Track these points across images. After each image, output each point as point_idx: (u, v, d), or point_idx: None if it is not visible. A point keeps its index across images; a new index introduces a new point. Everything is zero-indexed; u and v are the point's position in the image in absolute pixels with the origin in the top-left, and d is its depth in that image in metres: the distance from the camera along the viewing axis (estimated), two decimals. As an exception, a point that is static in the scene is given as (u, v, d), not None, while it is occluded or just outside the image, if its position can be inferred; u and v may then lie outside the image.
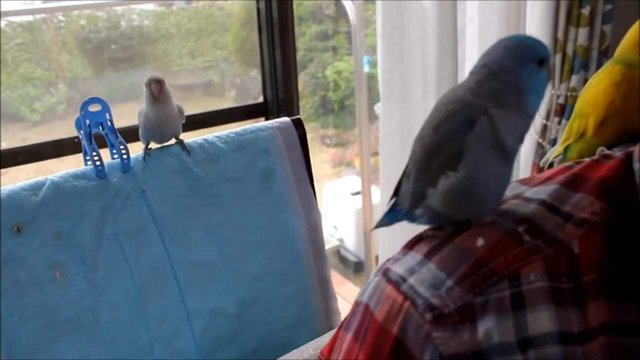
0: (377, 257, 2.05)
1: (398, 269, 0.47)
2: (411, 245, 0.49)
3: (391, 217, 0.55)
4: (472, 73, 0.49)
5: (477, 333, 0.43)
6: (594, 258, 0.44)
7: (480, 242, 0.45)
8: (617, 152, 0.50)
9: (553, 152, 0.71)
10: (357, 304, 0.49)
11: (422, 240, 0.49)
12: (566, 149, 0.66)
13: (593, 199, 0.46)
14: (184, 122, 0.96)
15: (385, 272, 0.47)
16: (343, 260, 2.80)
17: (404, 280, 0.45)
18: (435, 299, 0.43)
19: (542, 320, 0.43)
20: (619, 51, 0.60)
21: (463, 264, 0.44)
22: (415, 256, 0.47)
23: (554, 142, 1.34)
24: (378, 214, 1.67)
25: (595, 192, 0.46)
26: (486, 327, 0.42)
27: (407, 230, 1.67)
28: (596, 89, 0.61)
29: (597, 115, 0.60)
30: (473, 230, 0.47)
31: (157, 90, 0.89)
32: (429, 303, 0.43)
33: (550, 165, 0.73)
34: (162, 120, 0.92)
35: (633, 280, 0.45)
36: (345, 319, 0.51)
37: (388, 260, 0.49)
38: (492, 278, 0.43)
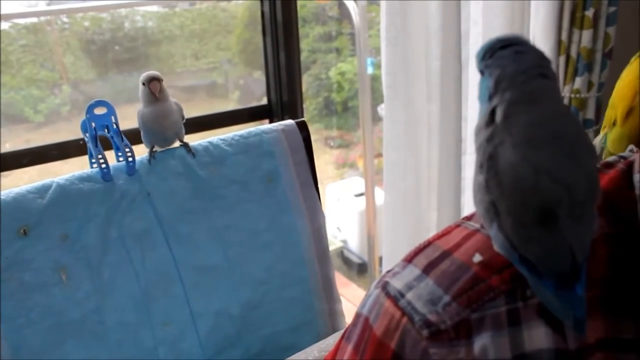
0: (380, 259, 2.05)
1: (397, 284, 0.47)
2: (410, 258, 0.49)
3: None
4: None
5: (473, 349, 0.43)
6: (592, 274, 0.44)
7: (477, 257, 0.45)
8: (620, 163, 0.50)
9: (598, 139, 0.73)
10: (357, 316, 0.50)
11: (422, 252, 0.48)
12: (605, 137, 0.68)
13: None
14: (184, 121, 0.96)
15: (385, 286, 0.47)
16: (346, 261, 2.80)
17: (402, 295, 0.46)
18: (432, 315, 0.44)
19: (537, 336, 0.43)
20: None
21: (460, 280, 0.44)
22: (414, 270, 0.47)
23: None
24: (381, 216, 1.68)
25: None
26: (482, 343, 0.43)
27: (409, 232, 1.66)
28: (624, 81, 0.62)
29: (624, 106, 0.61)
30: (472, 244, 0.47)
31: (157, 89, 0.89)
32: (426, 319, 0.44)
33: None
34: (160, 119, 0.92)
35: (632, 296, 0.45)
36: (347, 328, 0.52)
37: (388, 272, 0.49)
38: (488, 294, 0.44)
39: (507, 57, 0.44)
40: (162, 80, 0.90)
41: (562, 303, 0.41)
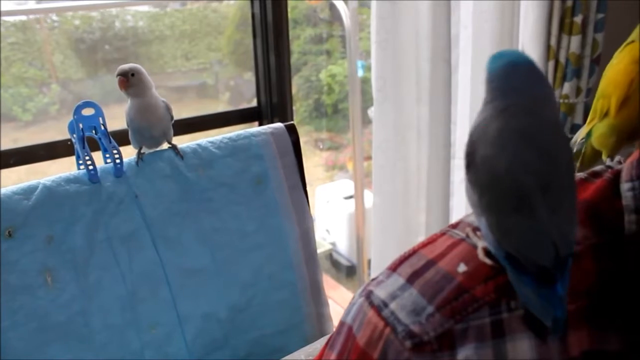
0: (369, 261, 2.05)
1: (380, 293, 0.46)
2: (395, 266, 0.48)
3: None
4: None
5: None
6: (578, 286, 0.43)
7: (462, 267, 0.45)
8: (607, 172, 0.50)
9: (579, 134, 0.70)
10: (341, 324, 0.49)
11: (406, 260, 0.48)
12: (589, 132, 0.66)
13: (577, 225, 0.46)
14: (172, 121, 0.96)
15: (369, 295, 0.47)
16: (335, 264, 2.80)
17: (386, 305, 0.45)
18: (415, 325, 0.43)
19: (521, 349, 0.43)
20: (637, 31, 0.60)
21: (444, 290, 0.44)
22: (398, 279, 0.47)
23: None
24: (371, 218, 1.68)
25: (580, 216, 0.45)
26: (465, 354, 0.42)
27: (398, 234, 1.66)
28: (617, 68, 0.59)
29: (619, 94, 0.59)
30: (456, 254, 0.46)
31: (122, 85, 0.89)
32: (408, 330, 0.43)
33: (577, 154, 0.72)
34: (143, 112, 0.91)
35: (618, 308, 0.44)
36: (331, 336, 0.51)
37: (372, 280, 0.49)
38: (472, 305, 0.43)
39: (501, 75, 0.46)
40: (130, 74, 0.89)
41: (541, 301, 0.41)
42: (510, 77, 0.46)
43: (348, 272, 2.73)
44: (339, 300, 2.39)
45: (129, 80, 0.89)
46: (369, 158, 2.44)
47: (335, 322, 1.05)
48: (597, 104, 0.63)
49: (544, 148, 0.43)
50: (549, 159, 0.43)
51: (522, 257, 0.42)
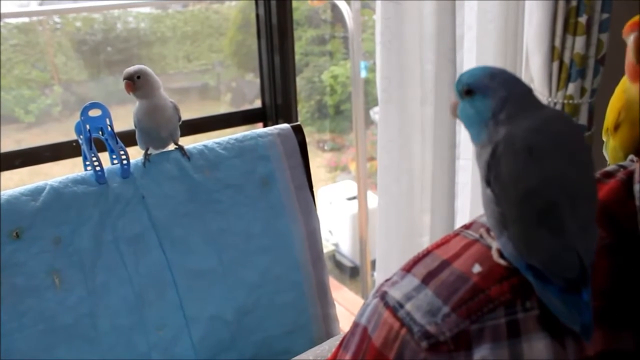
0: (373, 262, 2.05)
1: (395, 294, 0.46)
2: (409, 267, 0.48)
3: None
4: None
5: None
6: (593, 286, 0.43)
7: (477, 268, 0.45)
8: (620, 172, 0.50)
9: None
10: (355, 325, 0.49)
11: (420, 261, 0.48)
12: (606, 147, 0.69)
13: None
14: (180, 122, 0.95)
15: (383, 296, 0.47)
16: (338, 265, 2.80)
17: (401, 306, 0.45)
18: (431, 326, 0.43)
19: (537, 349, 0.43)
20: None
21: (460, 290, 0.44)
22: (413, 280, 0.47)
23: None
24: (373, 219, 1.68)
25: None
26: (482, 355, 0.42)
27: (402, 235, 1.65)
28: (614, 95, 0.62)
29: (611, 120, 0.61)
30: (471, 254, 0.46)
31: (128, 89, 0.89)
32: (425, 331, 0.43)
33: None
34: (152, 113, 0.91)
35: (632, 308, 0.45)
36: (344, 337, 0.51)
37: (387, 281, 0.49)
38: (488, 305, 0.43)
39: (508, 80, 0.45)
40: (136, 77, 0.89)
41: (569, 309, 0.42)
42: (500, 72, 0.45)
43: (351, 273, 2.73)
44: (342, 302, 2.38)
45: (135, 84, 0.89)
46: (371, 159, 2.45)
47: (341, 323, 1.05)
48: (604, 124, 0.67)
49: (572, 156, 0.43)
50: (578, 169, 0.43)
51: (547, 270, 0.42)
